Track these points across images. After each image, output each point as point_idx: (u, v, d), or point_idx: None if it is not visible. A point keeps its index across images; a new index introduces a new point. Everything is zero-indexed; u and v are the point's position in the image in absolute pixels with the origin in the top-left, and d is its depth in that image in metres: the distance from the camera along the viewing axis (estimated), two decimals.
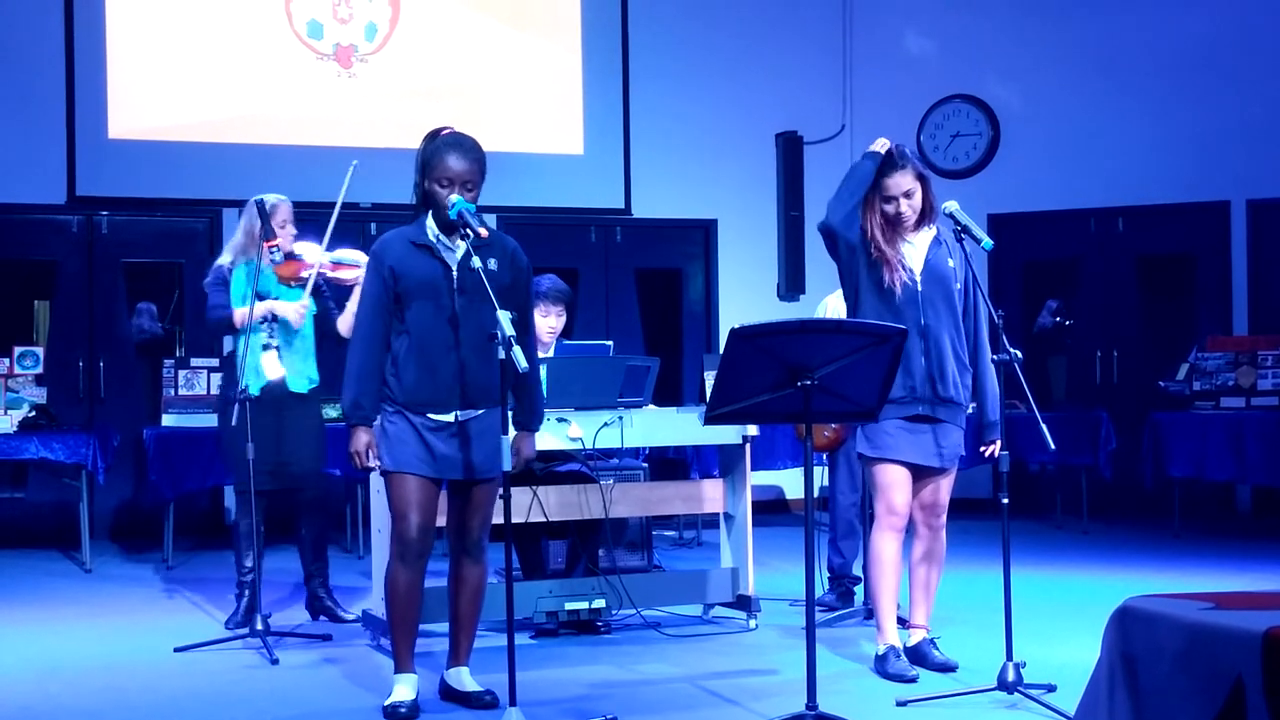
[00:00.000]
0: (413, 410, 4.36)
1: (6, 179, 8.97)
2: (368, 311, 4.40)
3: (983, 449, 4.85)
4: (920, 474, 4.84)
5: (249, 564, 5.79)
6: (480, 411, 4.39)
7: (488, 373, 4.36)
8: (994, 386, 4.82)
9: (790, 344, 4.01)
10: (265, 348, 5.59)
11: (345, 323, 5.76)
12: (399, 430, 4.35)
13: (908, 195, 4.78)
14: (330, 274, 5.79)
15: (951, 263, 4.81)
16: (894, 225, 4.81)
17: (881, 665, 4.85)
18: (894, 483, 4.81)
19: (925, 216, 4.85)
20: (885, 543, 4.85)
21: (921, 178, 4.82)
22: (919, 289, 4.76)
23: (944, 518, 4.90)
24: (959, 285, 4.82)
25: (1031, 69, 10.34)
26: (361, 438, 4.34)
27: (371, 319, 4.39)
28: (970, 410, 4.89)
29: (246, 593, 5.84)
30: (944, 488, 4.87)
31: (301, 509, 5.92)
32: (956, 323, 4.81)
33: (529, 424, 4.52)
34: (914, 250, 4.82)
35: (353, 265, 5.73)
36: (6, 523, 8.73)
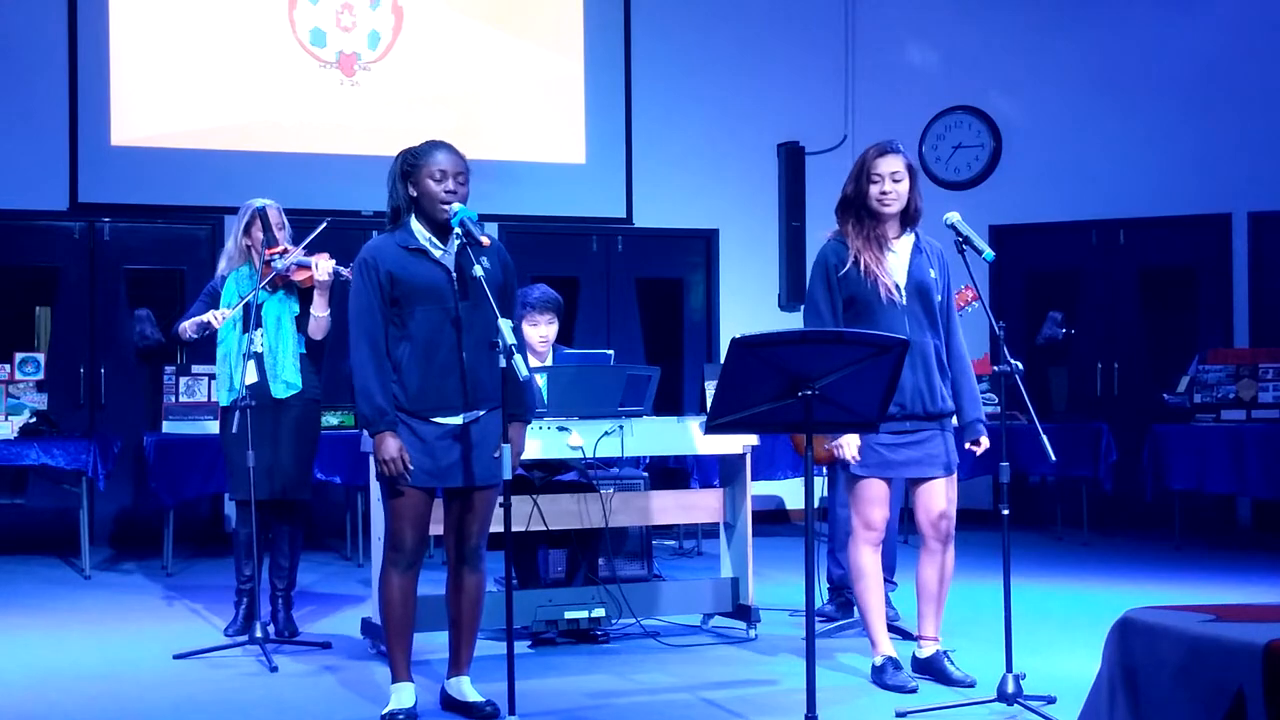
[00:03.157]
0: (417, 416, 4.35)
1: (9, 185, 8.98)
2: (367, 318, 4.34)
3: (969, 447, 4.85)
4: (921, 484, 4.83)
5: (248, 572, 5.79)
6: (482, 412, 4.40)
7: (490, 373, 4.38)
8: (972, 386, 4.85)
9: (791, 354, 4.01)
10: (247, 356, 5.61)
11: (313, 325, 5.74)
12: (403, 440, 4.34)
13: (895, 178, 4.78)
14: (294, 275, 5.74)
15: (933, 273, 4.82)
16: (877, 224, 4.79)
17: (880, 676, 4.84)
18: (875, 498, 4.81)
19: (909, 215, 4.84)
20: (865, 556, 4.85)
21: (911, 169, 4.83)
22: (902, 302, 4.76)
23: (952, 528, 4.87)
24: (940, 297, 4.83)
25: (1034, 81, 10.35)
26: (392, 443, 4.28)
27: (372, 325, 4.34)
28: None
29: (246, 600, 5.84)
30: (948, 495, 4.83)
31: (276, 515, 5.86)
32: (938, 333, 4.83)
33: (522, 416, 4.49)
34: (897, 260, 4.81)
35: (308, 267, 5.69)
36: (6, 529, 8.73)
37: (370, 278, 4.35)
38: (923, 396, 4.74)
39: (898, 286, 4.76)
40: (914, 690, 4.73)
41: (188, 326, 5.80)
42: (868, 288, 4.75)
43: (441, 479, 4.39)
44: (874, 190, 4.78)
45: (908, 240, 4.85)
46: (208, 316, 5.73)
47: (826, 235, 4.94)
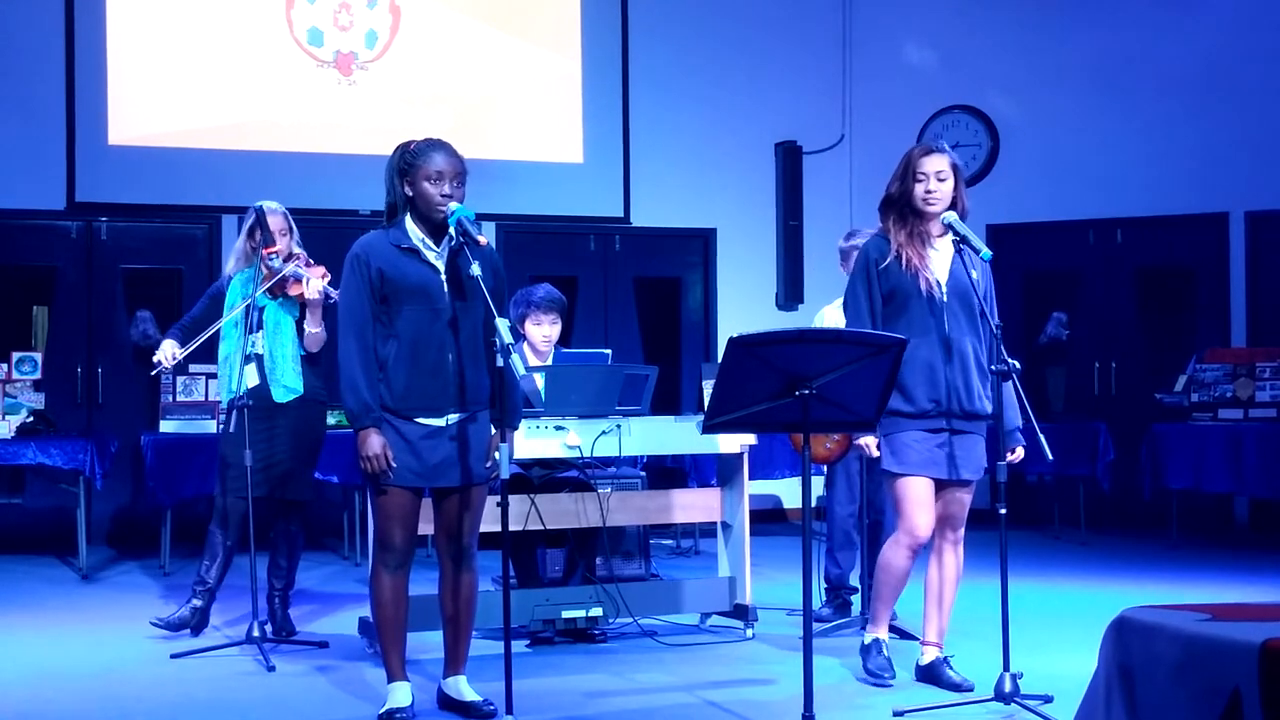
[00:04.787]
0: (403, 417, 4.33)
1: (6, 184, 8.98)
2: (356, 313, 4.32)
3: (1009, 456, 4.77)
4: (941, 487, 4.77)
5: (208, 577, 5.77)
6: (472, 413, 4.40)
7: (481, 375, 4.38)
8: (1013, 394, 4.79)
9: (789, 353, 4.00)
10: (248, 359, 5.60)
11: (307, 339, 5.72)
12: (388, 439, 4.34)
13: (940, 177, 4.76)
14: (289, 287, 5.72)
15: (975, 274, 4.78)
16: (921, 221, 4.77)
17: (865, 655, 4.87)
18: (918, 500, 4.70)
19: (953, 210, 4.81)
20: (900, 558, 4.77)
21: (955, 168, 4.80)
22: (944, 299, 4.73)
23: (962, 531, 4.83)
24: (981, 297, 4.79)
25: (1031, 80, 10.36)
26: (375, 441, 4.27)
27: (361, 320, 4.32)
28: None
29: (194, 601, 5.81)
30: (964, 501, 4.80)
31: (277, 515, 5.86)
32: (979, 333, 4.76)
33: (511, 422, 4.47)
34: (939, 258, 4.77)
35: (299, 280, 5.67)
36: (4, 528, 8.73)
37: (361, 273, 4.34)
38: (959, 394, 4.68)
39: (939, 283, 4.73)
40: (890, 681, 4.76)
41: (160, 350, 5.80)
42: (908, 280, 4.71)
43: (428, 479, 4.37)
44: (919, 189, 4.76)
45: (951, 240, 4.82)
46: (160, 354, 5.74)
47: (868, 233, 4.93)
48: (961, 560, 4.88)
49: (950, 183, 4.77)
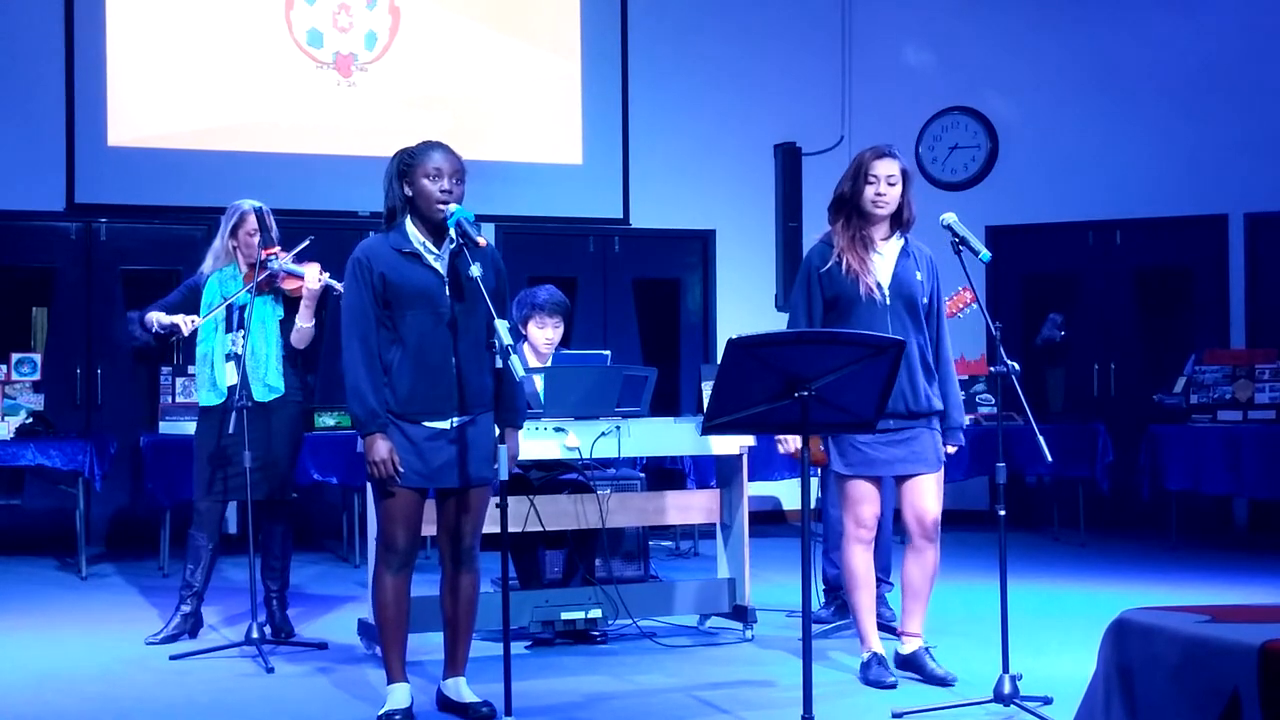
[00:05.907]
0: (408, 419, 4.35)
1: (6, 185, 8.97)
2: (359, 318, 4.33)
3: (946, 449, 4.92)
4: (908, 482, 4.86)
5: (195, 581, 5.76)
6: (474, 416, 4.40)
7: (483, 377, 4.39)
8: (955, 392, 4.92)
9: (788, 354, 4.01)
10: (228, 357, 5.59)
11: (296, 335, 5.71)
12: (394, 441, 4.34)
13: (890, 181, 4.81)
14: (283, 282, 5.71)
15: (919, 275, 4.85)
16: (865, 224, 4.81)
17: (864, 672, 4.89)
18: (862, 498, 4.86)
19: (900, 218, 4.87)
20: (856, 555, 4.91)
21: (905, 174, 4.87)
22: (886, 302, 4.79)
23: (937, 524, 4.89)
24: (926, 299, 4.86)
25: (1030, 81, 10.36)
26: (382, 446, 4.29)
27: (364, 325, 4.34)
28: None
29: (183, 608, 5.80)
30: (932, 492, 4.86)
31: (265, 516, 5.82)
32: (923, 334, 4.86)
33: (514, 421, 4.50)
34: (882, 262, 4.85)
35: (299, 277, 5.67)
36: (3, 530, 8.72)
37: (363, 278, 4.35)
38: (904, 395, 4.76)
39: (879, 285, 4.80)
40: (893, 685, 4.77)
41: (154, 319, 5.74)
42: (849, 285, 4.79)
43: (433, 480, 4.39)
44: (869, 191, 4.82)
45: (895, 243, 4.89)
46: (179, 319, 5.68)
47: (815, 238, 4.99)
48: (938, 555, 4.94)
49: (899, 188, 4.85)
